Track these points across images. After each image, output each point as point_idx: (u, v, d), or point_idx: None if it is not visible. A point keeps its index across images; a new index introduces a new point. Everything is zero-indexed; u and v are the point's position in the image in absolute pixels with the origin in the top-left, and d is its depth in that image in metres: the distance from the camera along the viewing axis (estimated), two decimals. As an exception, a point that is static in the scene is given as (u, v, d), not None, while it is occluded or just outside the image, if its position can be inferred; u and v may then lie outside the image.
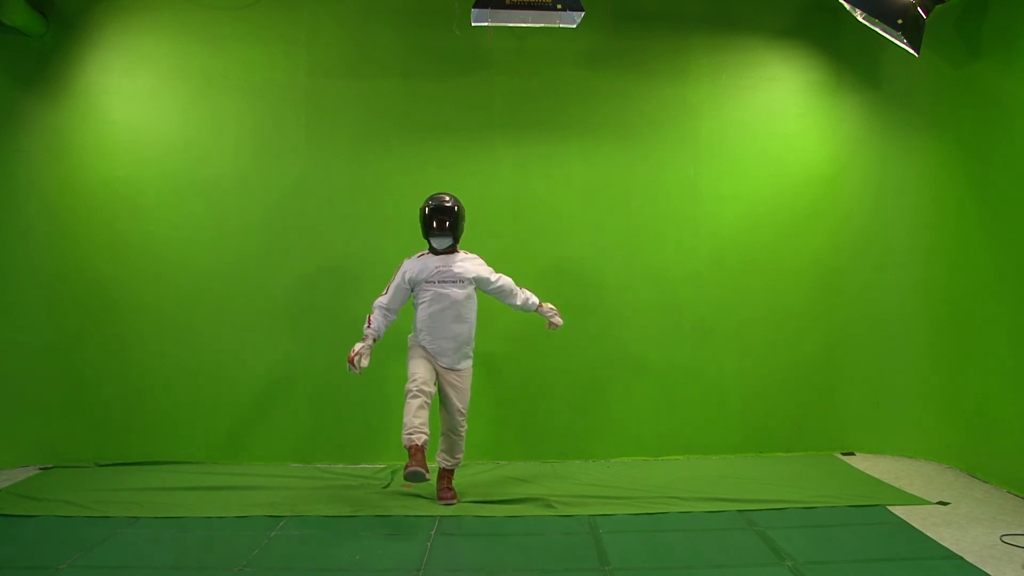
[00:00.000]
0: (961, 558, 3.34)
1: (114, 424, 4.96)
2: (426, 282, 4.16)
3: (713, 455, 5.08)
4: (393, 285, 4.20)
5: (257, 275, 5.00)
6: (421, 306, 4.20)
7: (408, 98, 5.05)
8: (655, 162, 5.13)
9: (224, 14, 4.99)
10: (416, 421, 3.95)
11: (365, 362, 4.01)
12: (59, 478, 4.64)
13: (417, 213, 4.28)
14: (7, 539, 3.68)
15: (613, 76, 5.10)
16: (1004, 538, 3.55)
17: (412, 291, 4.22)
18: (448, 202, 4.21)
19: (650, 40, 5.12)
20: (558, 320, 4.41)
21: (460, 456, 4.29)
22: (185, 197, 4.98)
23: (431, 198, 4.24)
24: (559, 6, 4.29)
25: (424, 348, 4.20)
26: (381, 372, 4.90)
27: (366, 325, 4.14)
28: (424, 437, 3.94)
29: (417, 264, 4.20)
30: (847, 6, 4.32)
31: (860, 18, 4.37)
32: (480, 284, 4.28)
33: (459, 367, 4.24)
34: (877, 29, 4.32)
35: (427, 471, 3.86)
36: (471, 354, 4.31)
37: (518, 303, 4.37)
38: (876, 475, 4.64)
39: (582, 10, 4.33)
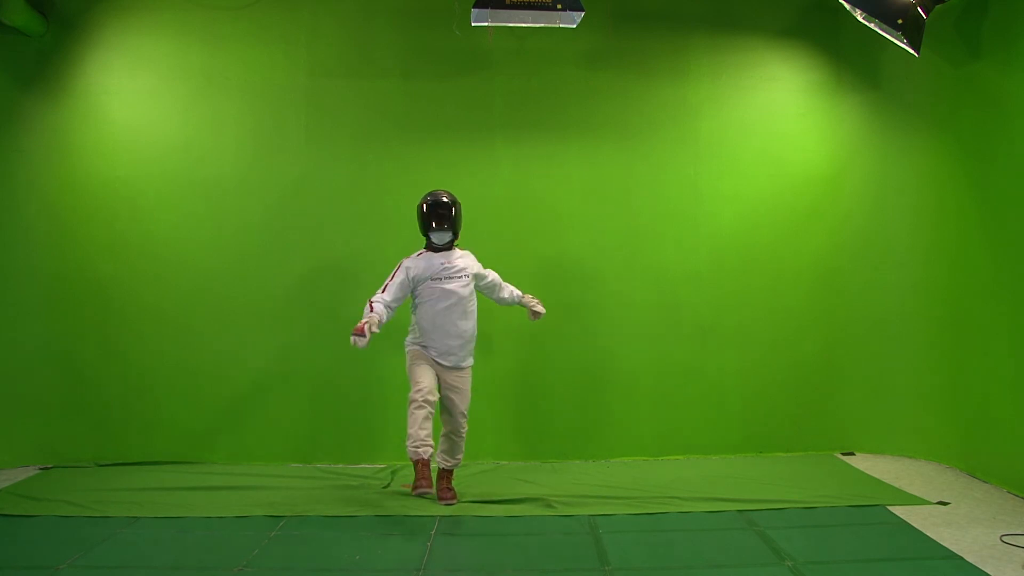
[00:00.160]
0: (961, 558, 3.34)
1: (114, 424, 4.96)
2: (432, 279, 4.12)
3: (713, 455, 5.08)
4: (394, 283, 4.13)
5: (257, 275, 5.00)
6: (425, 305, 4.15)
7: (408, 98, 5.05)
8: (655, 162, 5.13)
9: (224, 14, 4.99)
10: (422, 433, 3.96)
11: (376, 329, 3.95)
12: (59, 478, 4.64)
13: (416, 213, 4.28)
14: (7, 539, 3.68)
15: (613, 76, 5.10)
16: (1004, 538, 3.55)
17: (413, 290, 4.20)
18: (446, 198, 4.21)
19: (650, 40, 5.12)
20: (540, 309, 4.42)
21: (460, 456, 4.29)
22: (185, 197, 4.98)
23: (429, 195, 4.24)
24: (559, 6, 4.29)
25: (426, 350, 4.17)
26: (380, 372, 4.92)
27: (367, 309, 4.05)
28: (430, 450, 3.97)
29: (421, 262, 4.17)
30: (847, 6, 4.32)
31: (860, 18, 4.37)
32: (477, 279, 4.29)
33: (464, 365, 4.23)
34: (877, 29, 4.32)
35: (433, 487, 3.96)
36: (473, 352, 4.31)
37: (505, 296, 4.40)
38: (876, 475, 4.64)
39: (582, 10, 4.33)
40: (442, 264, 4.15)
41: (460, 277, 4.17)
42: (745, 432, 5.13)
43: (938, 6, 4.41)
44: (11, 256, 4.90)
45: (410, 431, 3.97)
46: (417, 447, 3.94)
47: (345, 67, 5.05)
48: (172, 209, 4.98)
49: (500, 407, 5.04)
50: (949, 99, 4.70)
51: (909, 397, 5.01)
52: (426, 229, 4.20)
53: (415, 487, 3.99)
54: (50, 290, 4.94)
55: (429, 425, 3.99)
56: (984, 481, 4.44)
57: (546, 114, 5.09)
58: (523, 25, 4.52)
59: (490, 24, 4.45)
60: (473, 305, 4.25)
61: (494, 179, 5.08)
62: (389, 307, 4.11)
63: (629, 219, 5.12)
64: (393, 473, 4.71)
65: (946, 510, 3.99)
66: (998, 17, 4.29)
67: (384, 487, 4.49)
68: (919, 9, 4.23)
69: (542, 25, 4.48)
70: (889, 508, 4.03)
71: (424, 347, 4.18)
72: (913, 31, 4.22)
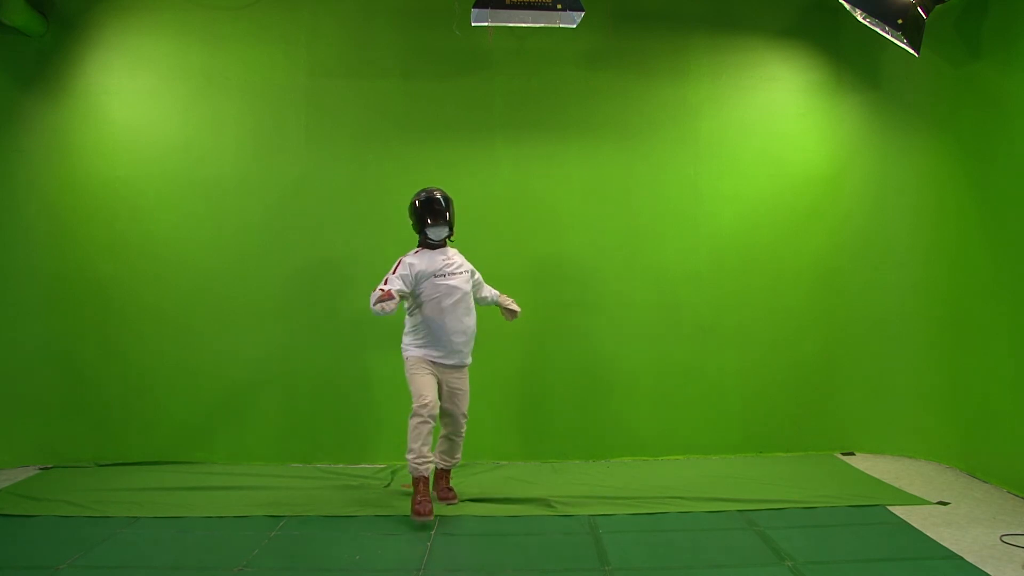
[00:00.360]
0: (961, 558, 3.34)
1: (114, 424, 4.96)
2: (435, 276, 4.04)
3: (713, 455, 5.08)
4: (396, 276, 3.97)
5: (257, 275, 5.00)
6: (431, 302, 4.03)
7: (408, 98, 5.05)
8: (655, 162, 5.13)
9: (224, 14, 4.99)
10: (424, 449, 3.96)
11: (396, 296, 3.85)
12: (59, 478, 4.64)
13: (416, 212, 4.25)
14: (7, 539, 3.68)
15: (613, 76, 5.10)
16: (1004, 538, 3.55)
17: (414, 288, 4.08)
18: (439, 194, 4.15)
19: (650, 40, 5.12)
20: (516, 308, 4.36)
21: (459, 456, 4.29)
22: (185, 197, 4.98)
23: (421, 192, 4.17)
24: (559, 6, 4.29)
25: (428, 353, 4.06)
26: (381, 372, 4.92)
27: (382, 284, 3.92)
28: (431, 467, 4.01)
29: (422, 259, 4.08)
30: (847, 6, 4.32)
31: (860, 18, 4.37)
32: (471, 275, 4.26)
33: (466, 363, 4.19)
34: (877, 29, 4.32)
35: (432, 514, 3.91)
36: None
37: (486, 295, 4.36)
38: (876, 475, 4.64)
39: (582, 10, 4.33)
40: (443, 260, 4.11)
41: (461, 273, 4.14)
42: (745, 432, 5.13)
43: (938, 6, 4.41)
44: (11, 256, 4.90)
45: (412, 445, 3.96)
46: (419, 464, 3.95)
47: (345, 67, 5.05)
48: (172, 209, 4.98)
49: (500, 407, 5.04)
50: (949, 99, 4.70)
51: (909, 397, 5.01)
52: (422, 226, 4.13)
53: (415, 511, 3.90)
54: (50, 290, 4.94)
55: (431, 440, 4.00)
56: (984, 481, 4.44)
57: (546, 114, 5.09)
58: (523, 25, 4.52)
59: (490, 24, 4.45)
60: (472, 300, 4.22)
61: (494, 179, 5.08)
62: (399, 291, 3.97)
63: (629, 219, 5.12)
64: (393, 473, 4.71)
65: (946, 510, 3.99)
66: (998, 17, 4.29)
67: (384, 487, 4.49)
68: (919, 9, 4.23)
69: (542, 25, 4.48)
70: (889, 508, 4.03)
71: (427, 349, 4.08)
72: (913, 31, 4.22)
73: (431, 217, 4.09)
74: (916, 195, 4.97)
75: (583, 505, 4.13)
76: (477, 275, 4.31)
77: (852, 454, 5.11)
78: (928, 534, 3.64)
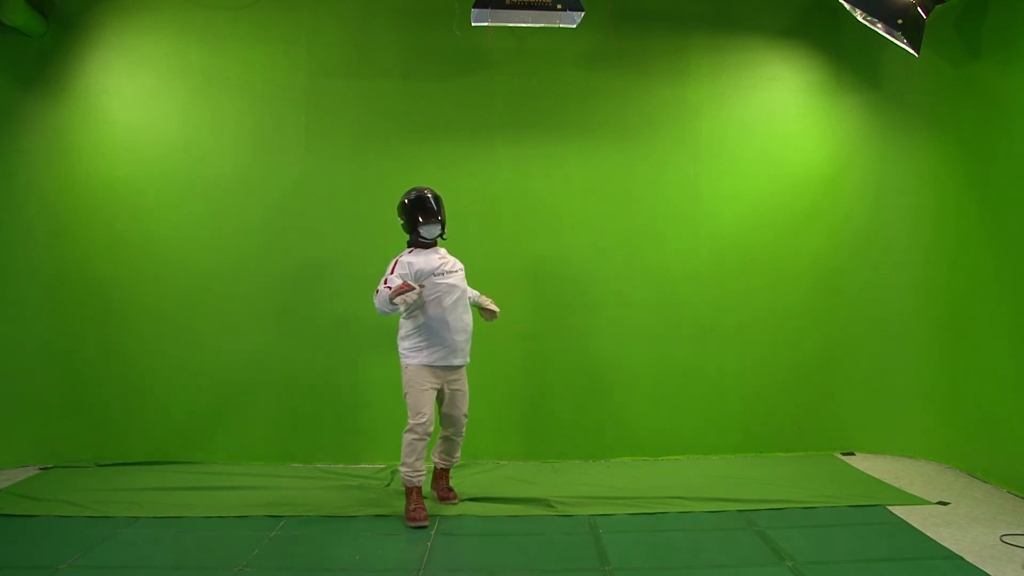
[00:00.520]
0: (961, 558, 3.34)
1: (114, 424, 4.96)
2: (435, 275, 3.99)
3: (713, 455, 5.08)
4: (395, 277, 3.94)
5: (257, 275, 5.00)
6: (432, 302, 3.98)
7: (408, 98, 5.05)
8: (655, 162, 5.13)
9: (224, 14, 4.99)
10: (419, 464, 3.98)
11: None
12: (59, 478, 4.64)
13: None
14: (7, 539, 3.68)
15: (613, 76, 5.10)
16: (1004, 538, 3.55)
17: None
18: (430, 192, 4.11)
19: (650, 40, 5.12)
20: (494, 308, 4.30)
21: (459, 455, 4.28)
22: (185, 197, 4.98)
23: (411, 191, 4.12)
24: (559, 6, 4.29)
25: (429, 357, 3.98)
26: (381, 372, 4.91)
27: (386, 289, 3.87)
28: (424, 477, 4.03)
29: (419, 258, 4.02)
30: (847, 6, 4.32)
31: (860, 18, 4.37)
32: None
33: (467, 362, 4.14)
34: (877, 29, 4.32)
35: (427, 520, 3.92)
36: None
37: (470, 294, 4.30)
38: (876, 475, 4.64)
39: (582, 10, 4.33)
40: (440, 259, 4.07)
41: (457, 271, 4.10)
42: (745, 432, 5.13)
43: (938, 6, 4.41)
44: (11, 256, 4.90)
45: (407, 459, 3.96)
46: (412, 476, 3.97)
47: (345, 67, 5.05)
48: (172, 209, 4.98)
49: (500, 407, 5.04)
50: (949, 99, 4.70)
51: (909, 397, 5.01)
52: (414, 225, 4.06)
53: (410, 517, 3.90)
54: (50, 290, 4.94)
55: (425, 453, 4.02)
56: (984, 481, 4.44)
57: (546, 114, 5.09)
58: (523, 25, 4.52)
59: (490, 24, 4.45)
60: (467, 299, 4.20)
61: (494, 179, 5.08)
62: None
63: (629, 219, 5.12)
64: (393, 473, 4.71)
65: (946, 510, 3.99)
66: (998, 17, 4.29)
67: (384, 487, 4.49)
68: (919, 9, 4.23)
69: (542, 25, 4.48)
70: (889, 508, 4.03)
71: (428, 352, 3.99)
72: (913, 31, 4.22)
73: (423, 215, 4.05)
74: (916, 195, 4.97)
75: (583, 505, 4.13)
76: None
77: (852, 454, 5.11)
78: (928, 534, 3.64)
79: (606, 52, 5.09)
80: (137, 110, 4.98)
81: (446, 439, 4.23)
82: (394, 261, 4.05)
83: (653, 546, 3.61)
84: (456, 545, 3.66)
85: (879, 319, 5.11)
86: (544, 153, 5.09)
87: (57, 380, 4.93)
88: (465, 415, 4.20)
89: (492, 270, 4.93)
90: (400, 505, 4.11)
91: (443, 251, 4.16)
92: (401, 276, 3.96)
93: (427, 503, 4.11)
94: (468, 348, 4.14)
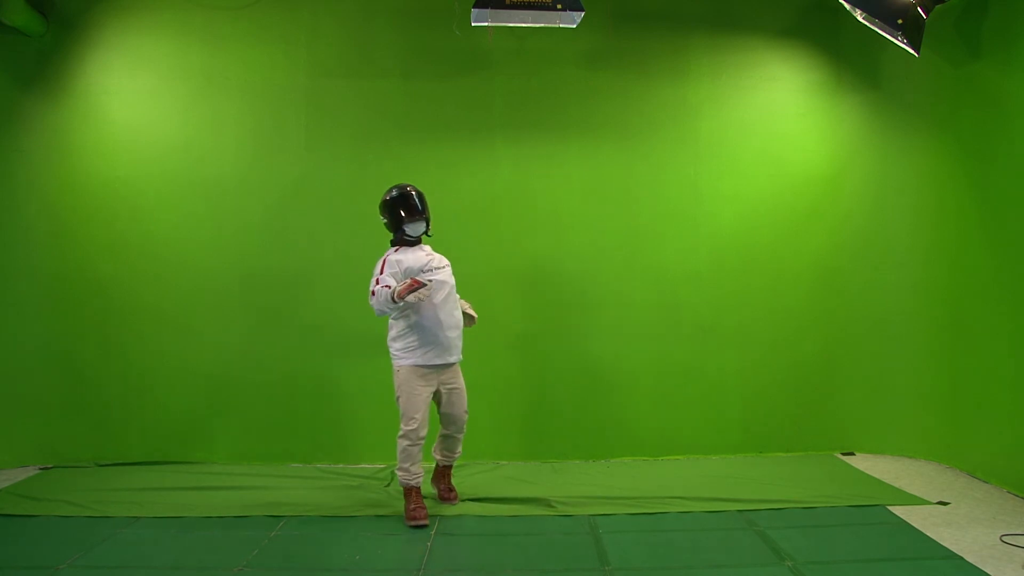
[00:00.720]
0: (961, 558, 3.34)
1: (114, 424, 4.96)
2: (423, 272, 3.94)
3: (713, 455, 5.08)
4: (386, 277, 3.90)
5: (257, 275, 5.00)
6: (423, 302, 3.94)
7: (408, 98, 5.05)
8: (655, 162, 5.13)
9: (224, 14, 4.99)
10: (415, 468, 3.98)
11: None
12: (59, 478, 4.64)
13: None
14: (7, 539, 3.68)
15: (613, 76, 5.10)
16: (1004, 538, 3.55)
17: None
18: (413, 189, 4.06)
19: (650, 40, 5.12)
20: (472, 313, 4.23)
21: (460, 451, 4.27)
22: (185, 197, 4.98)
23: (393, 188, 4.08)
24: (559, 6, 4.29)
25: (422, 357, 3.96)
26: (381, 372, 4.89)
27: (387, 291, 3.82)
28: (422, 478, 4.02)
29: (408, 256, 3.98)
30: (847, 6, 4.32)
31: (860, 18, 4.37)
32: None
33: (460, 359, 4.11)
34: (877, 29, 4.32)
35: (427, 518, 3.93)
36: None
37: None
38: (876, 475, 4.64)
39: (582, 10, 4.33)
40: (428, 256, 4.03)
41: (444, 267, 4.06)
42: (745, 432, 5.13)
43: (938, 6, 4.41)
44: (11, 256, 4.90)
45: (403, 464, 3.97)
46: (409, 479, 3.97)
47: (345, 67, 5.05)
48: (172, 209, 4.98)
49: (500, 407, 5.03)
50: (949, 99, 4.70)
51: (909, 397, 5.01)
52: (399, 222, 4.02)
53: (410, 516, 3.90)
54: (50, 290, 4.94)
55: (421, 456, 4.01)
56: (984, 481, 4.44)
57: (546, 114, 5.09)
58: (523, 25, 4.52)
59: (490, 24, 4.45)
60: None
61: (494, 179, 5.08)
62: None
63: (629, 219, 5.12)
64: (393, 473, 4.70)
65: (946, 510, 3.99)
66: (998, 17, 4.29)
67: (384, 487, 4.49)
68: (919, 9, 4.23)
69: (542, 25, 4.48)
70: (889, 508, 4.03)
71: (421, 352, 3.97)
72: (913, 31, 4.22)
73: (407, 212, 4.01)
74: (916, 195, 4.97)
75: (583, 505, 4.13)
76: None
77: (852, 454, 5.11)
78: (928, 534, 3.64)
79: (606, 52, 5.09)
80: (137, 110, 4.98)
81: (447, 437, 4.22)
82: (382, 260, 4.01)
83: (653, 546, 3.61)
84: (456, 545, 3.66)
85: (879, 319, 5.11)
86: (544, 153, 5.09)
87: (57, 380, 4.94)
88: (465, 412, 4.19)
89: (492, 270, 4.94)
90: (400, 505, 4.11)
91: (428, 248, 4.12)
92: (391, 275, 3.91)
93: (427, 502, 4.11)
94: (460, 344, 4.10)
